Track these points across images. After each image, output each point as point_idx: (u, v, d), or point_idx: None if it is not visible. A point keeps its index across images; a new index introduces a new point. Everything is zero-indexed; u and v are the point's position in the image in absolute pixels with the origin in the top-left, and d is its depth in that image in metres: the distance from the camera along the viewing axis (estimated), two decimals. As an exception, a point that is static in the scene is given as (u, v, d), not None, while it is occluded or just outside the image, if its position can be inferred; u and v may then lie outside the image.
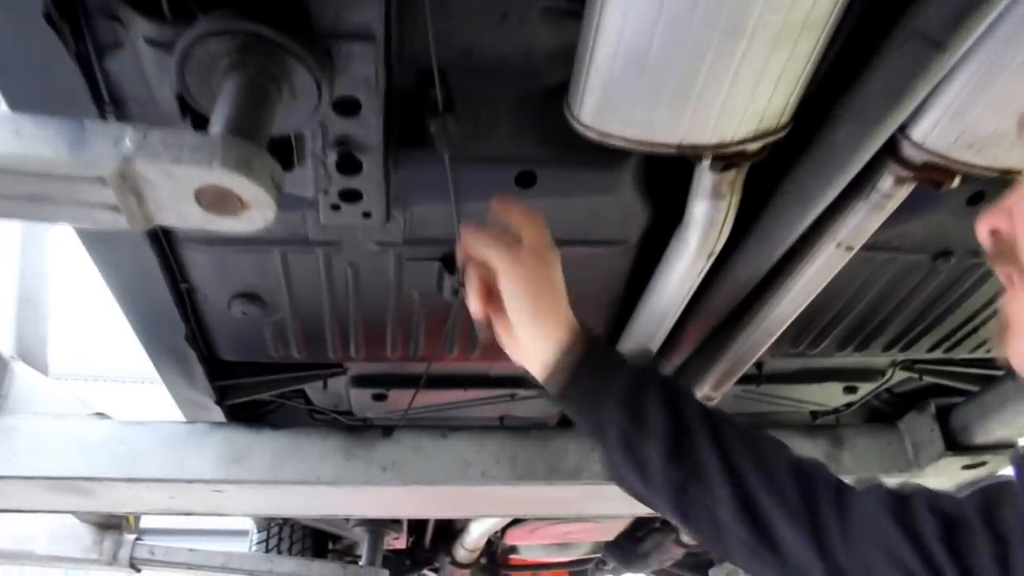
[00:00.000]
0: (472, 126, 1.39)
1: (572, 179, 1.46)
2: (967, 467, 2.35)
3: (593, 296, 1.86)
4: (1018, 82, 1.17)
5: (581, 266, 1.73)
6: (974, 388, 2.27)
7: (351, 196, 1.38)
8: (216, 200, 0.87)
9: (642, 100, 1.17)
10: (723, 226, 1.47)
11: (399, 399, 2.34)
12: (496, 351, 1.32)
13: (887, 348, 2.10)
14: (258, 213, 0.90)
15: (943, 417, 2.18)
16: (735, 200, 1.43)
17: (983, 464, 2.23)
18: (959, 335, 2.07)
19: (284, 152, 1.29)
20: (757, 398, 2.43)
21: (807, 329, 2.03)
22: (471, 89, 1.34)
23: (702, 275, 1.61)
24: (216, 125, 0.91)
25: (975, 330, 2.04)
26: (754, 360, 2.06)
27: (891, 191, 1.42)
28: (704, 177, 1.37)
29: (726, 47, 1.05)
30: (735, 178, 1.38)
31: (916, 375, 2.28)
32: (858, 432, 2.24)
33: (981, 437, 2.16)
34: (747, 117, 1.18)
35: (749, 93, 1.14)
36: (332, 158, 1.29)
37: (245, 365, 2.15)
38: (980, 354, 2.17)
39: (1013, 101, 1.19)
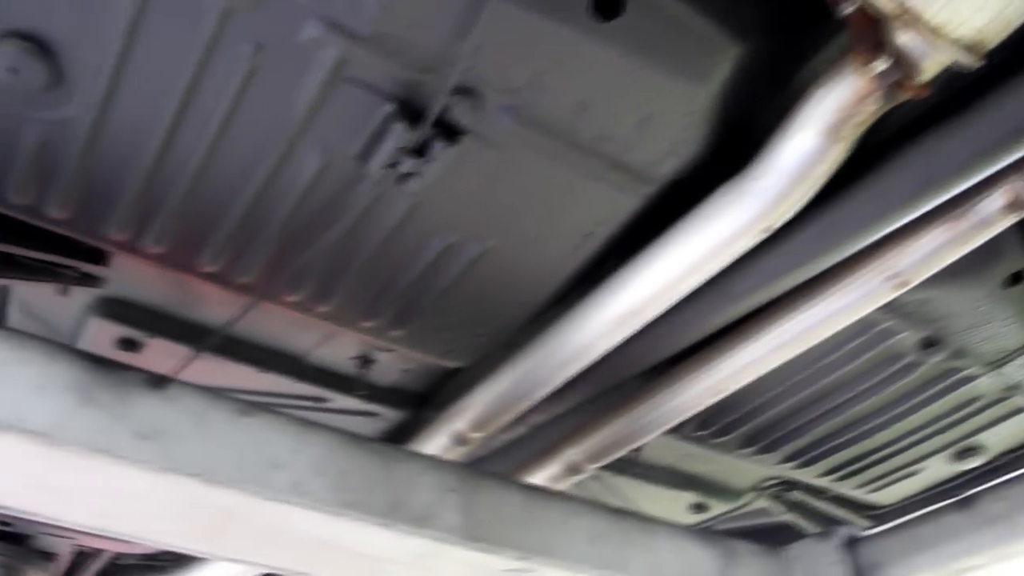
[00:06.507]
0: None
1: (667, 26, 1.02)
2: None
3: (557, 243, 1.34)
4: None
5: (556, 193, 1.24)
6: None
7: None
8: None
9: None
10: (811, 181, 1.08)
11: (158, 356, 1.55)
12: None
13: (788, 459, 1.80)
14: None
15: (851, 549, 1.81)
16: (842, 154, 1.05)
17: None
18: (867, 461, 1.81)
19: None
20: (598, 488, 1.97)
21: (724, 411, 1.66)
22: None
23: (732, 256, 1.18)
24: None
25: (885, 459, 1.81)
26: (647, 438, 1.62)
27: (996, 217, 1.15)
28: (838, 92, 0.98)
29: None
30: (866, 118, 1.01)
31: (782, 506, 1.98)
32: (750, 551, 1.82)
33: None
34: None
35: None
36: None
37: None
38: (861, 494, 1.93)
39: None
